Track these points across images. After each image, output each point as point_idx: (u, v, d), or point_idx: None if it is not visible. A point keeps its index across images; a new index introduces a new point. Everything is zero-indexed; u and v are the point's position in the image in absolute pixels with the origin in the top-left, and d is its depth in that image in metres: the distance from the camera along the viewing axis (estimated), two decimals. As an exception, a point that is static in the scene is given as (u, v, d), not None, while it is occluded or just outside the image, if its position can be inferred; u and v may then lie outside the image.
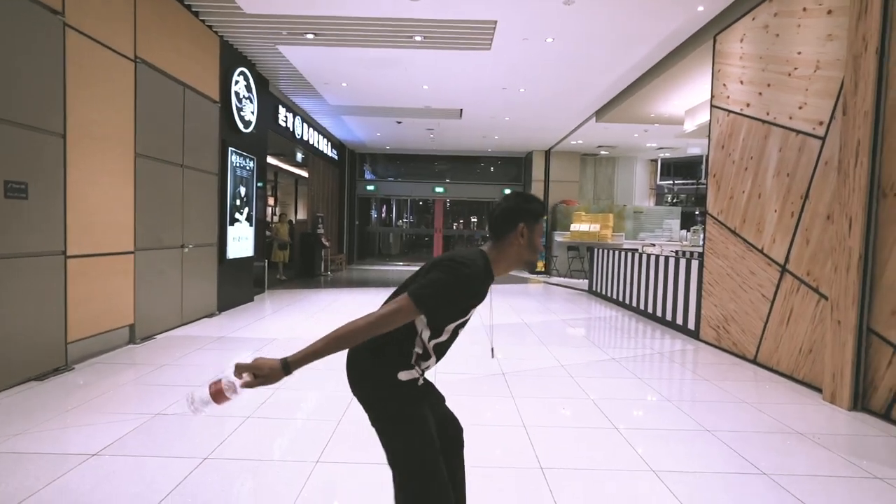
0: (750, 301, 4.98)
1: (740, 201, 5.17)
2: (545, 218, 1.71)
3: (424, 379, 1.68)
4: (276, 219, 11.97)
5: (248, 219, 7.89)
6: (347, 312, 7.46)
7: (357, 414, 3.40)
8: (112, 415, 3.23)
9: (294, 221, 13.51)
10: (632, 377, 4.44)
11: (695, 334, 6.03)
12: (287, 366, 1.45)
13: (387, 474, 2.58)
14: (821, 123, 4.13)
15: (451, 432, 1.74)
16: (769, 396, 3.98)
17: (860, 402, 3.66)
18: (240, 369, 1.45)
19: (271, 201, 15.86)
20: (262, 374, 1.45)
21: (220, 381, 1.44)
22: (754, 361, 4.90)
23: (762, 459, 2.83)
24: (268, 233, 11.14)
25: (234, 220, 7.35)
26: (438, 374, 4.00)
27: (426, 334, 1.60)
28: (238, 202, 7.49)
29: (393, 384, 1.58)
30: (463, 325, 1.69)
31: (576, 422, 3.35)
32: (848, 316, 3.66)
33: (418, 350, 1.60)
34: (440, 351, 1.67)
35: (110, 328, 4.76)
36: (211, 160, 6.68)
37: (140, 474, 2.48)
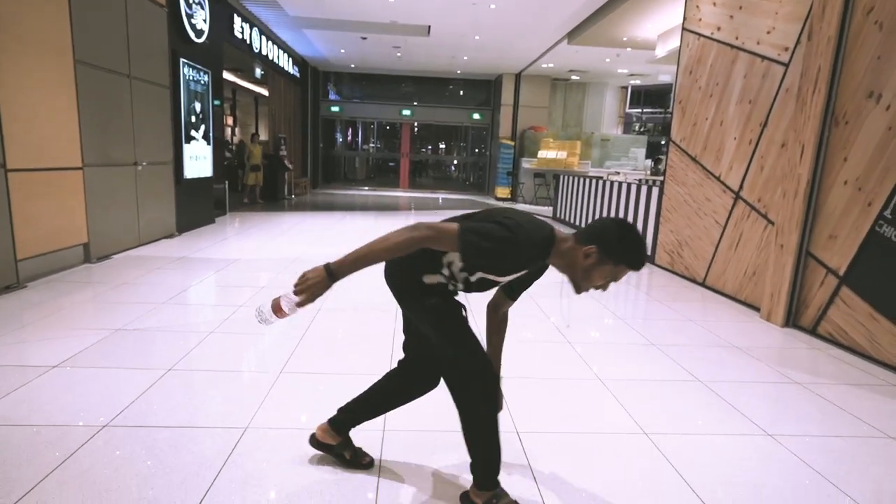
0: (704, 227, 5.18)
1: (703, 128, 5.23)
2: (627, 272, 1.59)
3: (454, 288, 1.71)
4: (234, 139, 11.49)
5: (206, 137, 7.55)
6: (313, 235, 7.42)
7: (321, 328, 3.48)
8: (71, 330, 3.21)
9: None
10: (588, 298, 4.65)
11: (650, 259, 6.28)
12: (331, 272, 1.46)
13: (346, 382, 2.68)
14: (786, 49, 4.14)
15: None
16: (713, 315, 4.25)
17: (792, 319, 3.96)
18: (295, 286, 1.48)
19: (230, 121, 15.13)
20: (308, 283, 1.46)
21: (279, 297, 1.50)
22: (703, 284, 5.17)
23: (700, 369, 3.07)
24: (228, 155, 10.73)
25: (189, 138, 7.03)
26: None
27: (458, 265, 1.62)
28: (193, 119, 7.12)
29: (419, 284, 1.65)
30: (496, 284, 1.69)
31: (533, 337, 3.52)
32: (791, 240, 3.87)
33: (445, 272, 1.65)
34: (466, 285, 1.68)
35: (63, 246, 4.62)
36: (161, 71, 6.26)
37: (103, 384, 2.51)
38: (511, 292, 1.79)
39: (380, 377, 1.95)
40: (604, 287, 1.61)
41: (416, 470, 1.96)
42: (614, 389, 2.75)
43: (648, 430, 2.33)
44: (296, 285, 1.48)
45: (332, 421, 1.95)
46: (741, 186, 4.62)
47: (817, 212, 3.75)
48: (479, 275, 1.63)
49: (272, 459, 1.97)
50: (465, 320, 1.66)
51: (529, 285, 1.78)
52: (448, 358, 1.65)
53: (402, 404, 1.93)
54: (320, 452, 1.98)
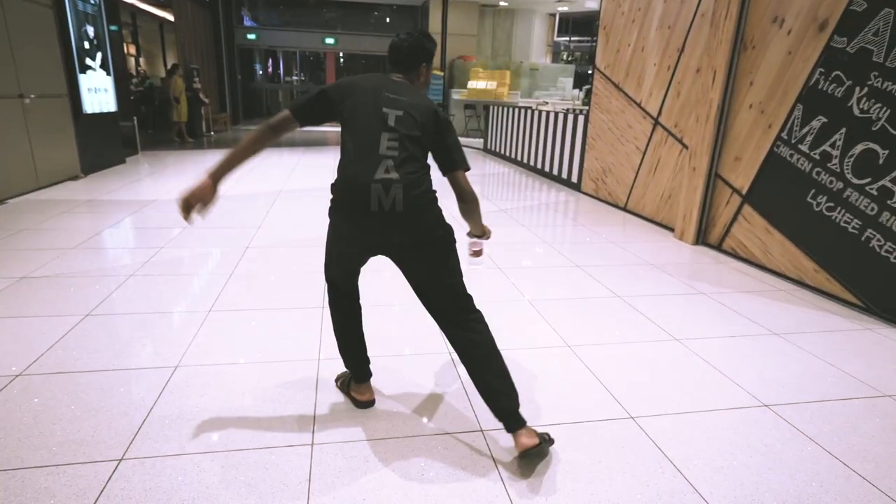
0: (626, 153, 5.38)
1: (626, 55, 5.31)
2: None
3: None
4: (138, 70, 10.43)
5: (105, 66, 6.81)
6: (236, 174, 7.03)
7: (247, 267, 3.40)
8: (-33, 281, 2.95)
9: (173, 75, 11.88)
10: (517, 225, 4.79)
11: (577, 187, 6.50)
12: (211, 175, 1.82)
13: (281, 316, 2.67)
14: (703, -27, 4.21)
15: None
16: (632, 237, 4.52)
17: (701, 237, 4.29)
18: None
19: (133, 49, 13.70)
20: (195, 192, 1.81)
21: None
22: (624, 209, 5.45)
23: (618, 286, 3.30)
24: (137, 85, 9.77)
25: (85, 68, 6.31)
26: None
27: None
28: (87, 45, 6.37)
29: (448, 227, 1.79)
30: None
31: (464, 264, 3.62)
32: (702, 162, 4.11)
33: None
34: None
35: (-55, 192, 4.14)
36: (40, -12, 5.49)
37: (13, 333, 2.36)
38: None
39: (349, 326, 1.93)
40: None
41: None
42: (540, 308, 2.91)
43: (571, 343, 2.51)
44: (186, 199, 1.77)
45: (512, 424, 1.74)
46: (660, 112, 4.80)
47: (726, 135, 3.99)
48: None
49: (207, 395, 1.96)
50: None
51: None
52: (463, 291, 1.83)
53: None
54: (258, 386, 2.00)
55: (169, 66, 11.05)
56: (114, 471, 1.55)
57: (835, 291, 3.19)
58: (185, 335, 2.43)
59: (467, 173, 1.80)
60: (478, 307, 1.84)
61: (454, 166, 1.76)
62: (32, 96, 5.28)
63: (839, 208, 3.12)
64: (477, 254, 2.08)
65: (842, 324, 2.86)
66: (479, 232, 2.02)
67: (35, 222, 4.20)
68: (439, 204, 1.73)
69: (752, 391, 2.15)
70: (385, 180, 1.57)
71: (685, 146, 4.46)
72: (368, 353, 1.98)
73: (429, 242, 1.69)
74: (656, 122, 4.86)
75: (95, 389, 1.96)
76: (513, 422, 1.66)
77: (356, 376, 1.96)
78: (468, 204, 1.85)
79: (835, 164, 3.13)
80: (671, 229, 4.64)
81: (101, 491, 1.47)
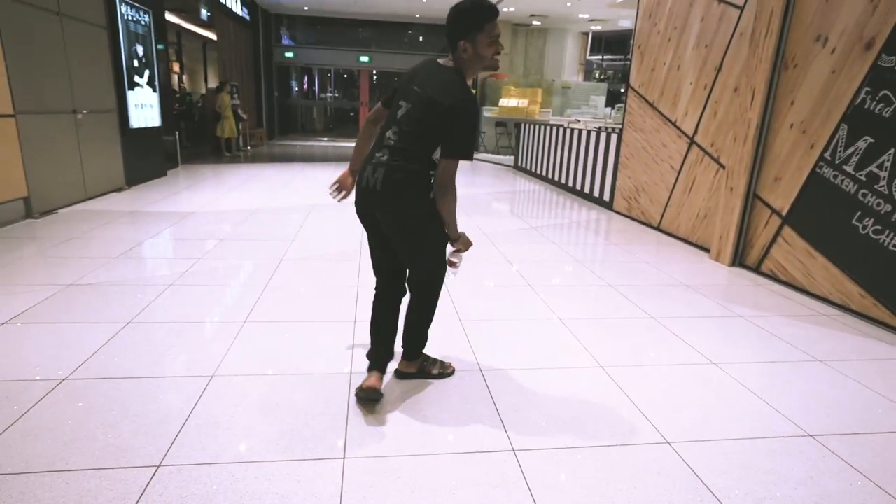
0: (660, 172, 5.31)
1: (661, 73, 5.27)
2: (491, 21, 1.81)
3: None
4: (182, 87, 10.86)
5: (151, 84, 7.12)
6: (271, 188, 7.22)
7: (283, 278, 3.46)
8: (18, 286, 3.09)
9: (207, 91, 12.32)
10: (549, 243, 4.76)
11: (609, 205, 6.43)
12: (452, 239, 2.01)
13: (314, 328, 2.71)
14: (742, -8, 4.16)
15: None
16: (666, 257, 4.43)
17: (739, 258, 4.18)
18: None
19: (177, 67, 14.26)
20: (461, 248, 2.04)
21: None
22: (658, 228, 5.36)
23: (651, 306, 3.24)
24: (178, 101, 10.17)
25: (133, 84, 6.61)
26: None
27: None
28: (136, 63, 6.68)
29: (429, 201, 1.92)
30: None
31: (494, 281, 3.61)
32: (740, 182, 4.03)
33: (432, 172, 1.92)
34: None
35: (0, 200, 4.36)
36: (95, 9, 5.79)
37: (59, 339, 2.46)
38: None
39: (380, 312, 2.14)
40: (496, 53, 1.86)
41: (384, 388, 2.03)
42: (572, 327, 2.87)
43: (604, 364, 2.47)
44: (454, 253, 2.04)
45: (403, 356, 2.23)
46: (696, 131, 4.73)
47: (765, 155, 3.90)
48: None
49: (241, 404, 2.00)
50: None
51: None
52: (429, 267, 2.03)
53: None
54: (291, 396, 2.03)
55: (216, 83, 11.47)
56: (152, 476, 1.59)
57: (882, 317, 3.05)
58: (222, 345, 2.48)
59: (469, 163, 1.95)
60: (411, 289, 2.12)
61: (443, 153, 1.84)
62: (84, 111, 5.55)
63: (888, 231, 3.00)
64: (450, 263, 2.06)
65: (891, 351, 2.73)
66: (452, 234, 1.98)
67: (82, 231, 4.38)
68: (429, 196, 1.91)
69: (795, 420, 2.06)
70: (376, 162, 1.87)
71: (722, 166, 4.37)
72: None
73: (397, 223, 1.91)
74: (692, 142, 4.79)
75: (136, 395, 2.02)
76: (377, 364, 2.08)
77: (370, 361, 2.11)
78: (438, 191, 1.88)
79: (882, 186, 3.03)
80: (707, 250, 4.54)
81: (140, 496, 1.51)
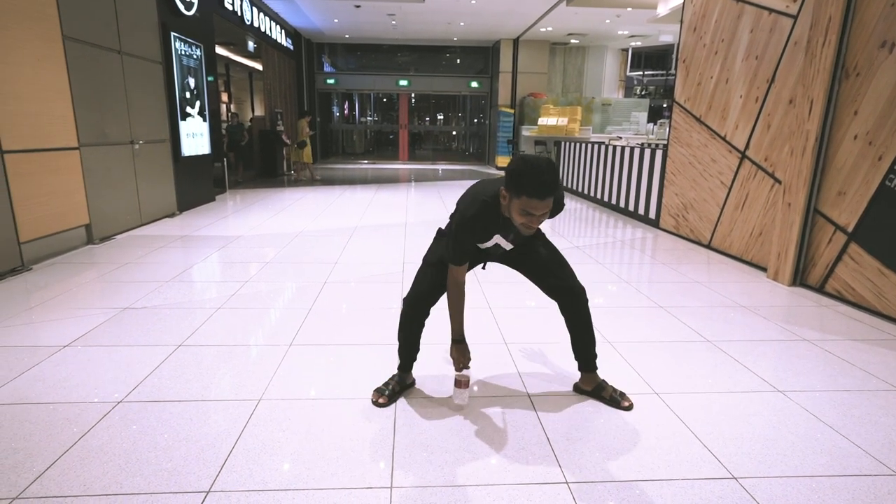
0: (709, 189, 5.12)
1: (707, 87, 5.12)
2: (539, 198, 1.71)
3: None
4: (230, 116, 11.32)
5: (202, 113, 7.44)
6: (315, 211, 7.38)
7: (327, 302, 3.49)
8: (79, 310, 3.22)
9: (251, 119, 12.80)
10: (593, 262, 4.64)
11: (655, 223, 6.24)
12: (455, 340, 2.10)
13: (358, 351, 2.70)
14: (794, 0, 4.01)
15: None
16: (719, 276, 4.24)
17: (799, 278, 3.95)
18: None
19: (225, 97, 14.91)
20: (455, 357, 2.11)
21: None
22: (708, 246, 5.15)
23: (706, 329, 3.08)
24: (239, 132, 10.61)
25: (185, 115, 6.93)
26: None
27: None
28: (188, 95, 7.01)
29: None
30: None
31: (536, 302, 3.52)
32: (798, 198, 3.82)
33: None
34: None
35: (65, 228, 4.60)
36: (152, 47, 6.13)
37: (115, 362, 2.53)
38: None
39: (565, 323, 2.24)
40: (526, 226, 1.76)
41: (429, 414, 1.98)
42: (623, 351, 2.75)
43: (659, 390, 2.34)
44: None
45: (580, 368, 2.28)
46: (747, 145, 4.55)
47: (826, 168, 3.69)
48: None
49: (288, 429, 1.99)
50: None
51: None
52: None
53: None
54: (337, 422, 2.00)
55: (262, 111, 11.90)
56: (202, 502, 1.58)
57: (969, 342, 2.80)
58: (268, 368, 2.49)
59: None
60: (403, 299, 2.22)
61: None
62: (141, 142, 5.84)
63: (970, 248, 2.76)
64: (458, 383, 2.14)
65: (982, 380, 2.49)
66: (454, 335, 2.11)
67: (137, 256, 4.56)
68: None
69: (877, 456, 1.89)
70: None
71: (777, 180, 4.17)
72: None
73: None
74: (743, 156, 4.60)
75: (186, 419, 2.04)
76: None
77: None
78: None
79: (962, 199, 2.80)
80: (763, 269, 4.31)
81: (190, 523, 1.50)
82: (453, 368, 2.15)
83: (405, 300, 2.18)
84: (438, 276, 2.10)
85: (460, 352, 2.09)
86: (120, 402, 2.15)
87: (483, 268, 2.25)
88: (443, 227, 2.18)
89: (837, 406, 2.23)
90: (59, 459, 1.77)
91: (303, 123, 11.07)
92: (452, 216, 2.03)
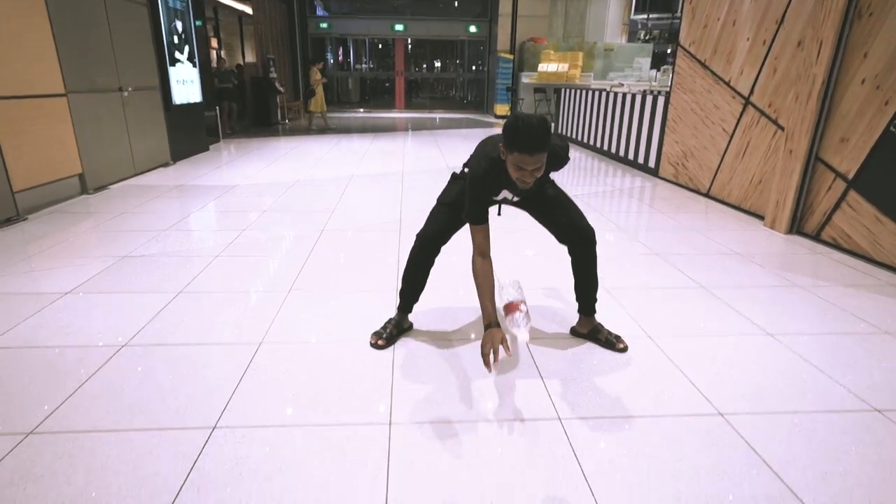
0: (710, 136, 5.05)
1: (714, 30, 4.96)
2: (528, 154, 1.73)
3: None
4: (220, 63, 10.96)
5: (191, 59, 7.21)
6: (311, 159, 7.28)
7: (325, 249, 3.50)
8: (78, 258, 3.23)
9: (242, 64, 12.39)
10: (591, 211, 4.63)
11: (654, 172, 6.19)
12: (488, 325, 1.82)
13: (357, 297, 2.72)
14: (808, -64, 3.82)
15: None
16: (716, 224, 4.25)
17: (796, 226, 3.96)
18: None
19: (214, 43, 14.40)
20: (492, 342, 1.75)
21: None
22: (707, 195, 5.13)
23: (701, 275, 3.11)
24: (229, 78, 10.28)
25: (174, 60, 6.71)
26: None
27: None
28: (176, 39, 6.77)
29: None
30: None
31: (532, 251, 3.54)
32: (800, 144, 3.78)
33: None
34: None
35: (58, 177, 4.55)
36: (136, -14, 5.86)
37: (117, 308, 2.56)
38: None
39: (571, 265, 2.32)
40: (521, 180, 1.79)
41: (426, 354, 2.03)
42: (619, 297, 2.80)
43: (652, 334, 2.40)
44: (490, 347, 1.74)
45: (580, 311, 2.33)
46: (752, 91, 4.45)
47: (830, 114, 3.63)
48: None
49: (289, 370, 2.04)
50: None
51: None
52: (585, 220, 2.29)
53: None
54: (336, 364, 2.06)
55: (253, 58, 11.50)
56: (209, 437, 1.64)
57: (958, 287, 2.84)
58: (268, 313, 2.53)
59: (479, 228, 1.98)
60: (417, 237, 2.22)
61: None
62: (130, 89, 5.68)
63: (968, 194, 2.76)
64: (510, 308, 1.80)
65: (967, 324, 2.54)
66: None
67: (133, 206, 4.54)
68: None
69: (860, 394, 1.95)
70: None
71: (780, 127, 4.11)
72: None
73: None
74: (747, 102, 4.51)
75: (190, 361, 2.09)
76: None
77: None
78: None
79: (964, 144, 2.77)
80: (761, 217, 4.32)
81: (199, 454, 1.57)
82: (480, 352, 1.78)
83: (418, 236, 2.21)
84: (452, 216, 2.16)
85: (493, 340, 1.72)
86: (124, 346, 2.19)
87: (498, 213, 2.28)
88: (457, 172, 2.21)
89: (825, 348, 2.29)
90: (68, 400, 1.83)
91: (314, 70, 10.71)
92: (466, 164, 2.09)
